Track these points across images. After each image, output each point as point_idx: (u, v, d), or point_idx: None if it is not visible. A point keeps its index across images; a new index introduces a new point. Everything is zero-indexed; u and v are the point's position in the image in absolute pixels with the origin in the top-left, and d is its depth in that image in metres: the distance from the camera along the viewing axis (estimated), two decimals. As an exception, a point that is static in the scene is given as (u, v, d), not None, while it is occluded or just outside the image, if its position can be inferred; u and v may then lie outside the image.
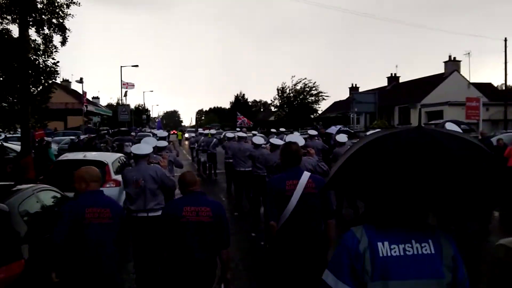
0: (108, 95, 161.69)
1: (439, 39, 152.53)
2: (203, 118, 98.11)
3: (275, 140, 6.45)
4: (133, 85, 28.78)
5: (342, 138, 7.51)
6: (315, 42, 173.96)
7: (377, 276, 1.38)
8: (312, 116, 36.16)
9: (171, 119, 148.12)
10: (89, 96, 54.00)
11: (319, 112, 38.20)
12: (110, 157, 7.55)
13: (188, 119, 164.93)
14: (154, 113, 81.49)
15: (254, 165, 7.32)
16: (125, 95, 28.83)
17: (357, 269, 1.40)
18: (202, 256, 2.80)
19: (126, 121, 24.37)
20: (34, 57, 10.28)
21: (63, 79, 30.39)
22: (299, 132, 15.95)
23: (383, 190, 1.41)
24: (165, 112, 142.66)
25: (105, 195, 3.08)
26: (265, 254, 5.21)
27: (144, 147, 4.91)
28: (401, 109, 29.15)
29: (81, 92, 27.62)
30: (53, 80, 11.29)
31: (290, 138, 5.22)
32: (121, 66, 28.89)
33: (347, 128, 11.45)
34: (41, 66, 10.30)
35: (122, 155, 8.77)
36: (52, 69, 10.49)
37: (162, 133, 10.84)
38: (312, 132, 8.60)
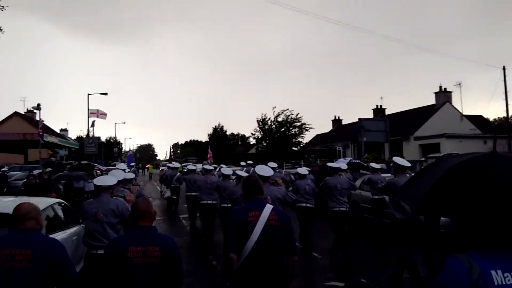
0: (78, 128, 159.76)
1: (424, 71, 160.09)
2: (178, 151, 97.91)
3: (241, 172, 6.77)
4: (105, 114, 26.79)
5: (303, 171, 8.10)
6: (297, 75, 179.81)
7: None
8: (295, 149, 36.58)
9: (145, 153, 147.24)
10: (56, 128, 53.77)
11: (302, 145, 38.76)
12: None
13: (163, 152, 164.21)
14: (128, 147, 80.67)
15: (220, 196, 7.65)
16: (92, 125, 27.15)
17: None
18: None
19: (93, 154, 23.16)
20: None
21: (27, 109, 29.87)
22: (283, 167, 16.31)
23: (485, 213, 1.50)
24: (139, 145, 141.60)
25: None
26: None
27: (108, 178, 4.98)
28: (392, 142, 29.93)
29: (47, 124, 26.94)
30: None
31: (258, 169, 5.46)
32: (88, 94, 27.14)
33: (360, 161, 11.68)
34: None
35: (60, 200, 6.25)
36: None
37: (121, 166, 11.08)
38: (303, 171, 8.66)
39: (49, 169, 15.35)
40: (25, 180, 12.01)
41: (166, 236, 3.00)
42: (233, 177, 7.94)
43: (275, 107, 38.32)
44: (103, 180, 4.84)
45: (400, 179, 5.64)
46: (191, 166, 11.55)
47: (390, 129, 31.54)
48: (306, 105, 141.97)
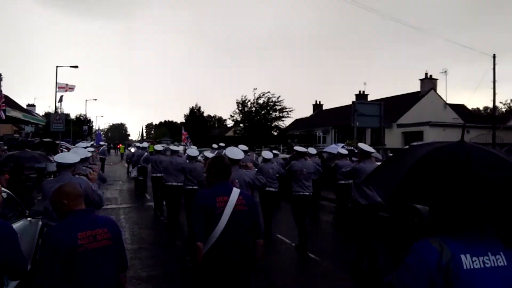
0: (47, 104, 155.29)
1: (410, 57, 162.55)
2: (152, 132, 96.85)
3: (210, 154, 6.81)
4: (73, 88, 24.95)
5: (267, 154, 8.33)
6: (277, 58, 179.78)
7: None
8: (274, 133, 36.64)
9: (117, 132, 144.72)
10: (23, 103, 51.82)
11: (281, 128, 38.88)
12: None
13: (136, 132, 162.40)
14: (100, 125, 79.02)
15: (186, 178, 7.79)
16: (60, 100, 25.68)
17: (437, 283, 1.49)
18: None
19: (61, 131, 22.11)
20: None
21: None
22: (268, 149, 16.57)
23: (454, 199, 1.56)
24: (111, 124, 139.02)
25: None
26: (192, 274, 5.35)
27: (70, 156, 4.82)
28: (373, 129, 30.31)
29: (13, 98, 25.56)
30: None
31: (229, 151, 5.47)
32: (56, 66, 25.83)
33: (352, 147, 11.82)
34: None
35: None
36: None
37: (82, 144, 10.85)
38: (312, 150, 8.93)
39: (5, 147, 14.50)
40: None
41: (107, 216, 2.90)
42: (201, 158, 7.98)
43: (256, 89, 37.70)
44: (64, 158, 4.68)
45: (366, 165, 5.86)
46: (157, 147, 11.54)
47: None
48: (286, 89, 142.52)
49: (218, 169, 3.18)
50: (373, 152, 6.13)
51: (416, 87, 33.26)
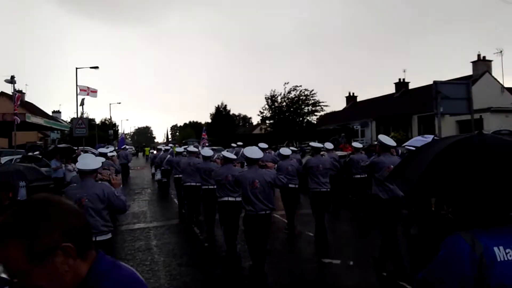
0: (72, 110, 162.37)
1: (456, 39, 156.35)
2: (177, 134, 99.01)
3: (227, 153, 7.12)
4: (95, 92, 25.63)
5: (285, 151, 8.61)
6: (303, 54, 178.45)
7: (495, 282, 1.56)
8: (306, 129, 36.35)
9: (143, 136, 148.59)
10: (48, 111, 54.33)
11: (313, 123, 38.59)
12: None
13: (162, 135, 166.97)
14: (126, 129, 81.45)
15: (202, 178, 8.24)
16: (82, 103, 26.47)
17: (469, 276, 1.57)
18: None
19: (83, 136, 22.75)
20: None
21: (14, 89, 29.66)
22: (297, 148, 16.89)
23: (483, 192, 1.66)
24: (137, 128, 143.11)
25: None
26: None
27: (91, 162, 5.11)
28: (421, 119, 29.10)
29: (38, 106, 26.40)
30: None
31: (247, 151, 5.66)
32: (76, 68, 25.62)
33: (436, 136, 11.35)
34: None
35: None
36: None
37: (103, 150, 11.73)
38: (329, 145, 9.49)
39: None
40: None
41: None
42: (216, 158, 8.55)
43: (287, 83, 37.52)
44: (86, 164, 4.96)
45: (385, 158, 5.95)
46: (178, 149, 12.52)
47: (418, 105, 30.89)
48: (316, 82, 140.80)
49: None
50: (394, 145, 6.22)
51: (466, 71, 31.87)
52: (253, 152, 5.69)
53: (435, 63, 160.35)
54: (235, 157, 7.36)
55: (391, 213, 5.90)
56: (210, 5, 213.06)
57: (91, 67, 26.67)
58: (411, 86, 36.77)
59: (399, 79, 37.15)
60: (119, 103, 66.69)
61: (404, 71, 54.99)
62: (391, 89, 38.37)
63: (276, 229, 8.44)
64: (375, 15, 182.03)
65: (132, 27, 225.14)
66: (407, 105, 32.06)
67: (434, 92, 14.74)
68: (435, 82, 14.34)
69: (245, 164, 6.49)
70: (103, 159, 6.25)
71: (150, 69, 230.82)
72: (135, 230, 9.61)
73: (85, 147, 22.78)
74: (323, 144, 8.65)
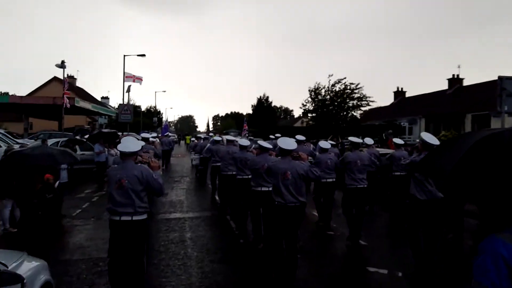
0: (120, 96, 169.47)
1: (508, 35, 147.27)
2: (219, 124, 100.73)
3: (263, 143, 7.12)
4: (140, 79, 25.93)
5: (324, 144, 8.60)
6: (349, 48, 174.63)
7: None
8: (350, 124, 35.71)
9: (186, 124, 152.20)
10: (98, 96, 56.76)
11: (359, 118, 37.81)
12: None
13: (204, 124, 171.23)
14: (170, 117, 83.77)
15: (237, 168, 8.34)
16: (128, 90, 27.23)
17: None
18: None
19: (128, 122, 23.57)
20: None
21: (67, 74, 31.06)
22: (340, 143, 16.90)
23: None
24: (180, 116, 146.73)
25: None
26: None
27: (131, 144, 5.30)
28: (475, 118, 27.73)
29: (88, 91, 27.64)
30: None
31: (281, 141, 5.65)
32: (124, 55, 26.83)
33: None
34: None
35: None
36: None
37: (146, 135, 12.09)
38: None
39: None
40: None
41: None
42: (253, 148, 8.71)
43: (331, 75, 36.86)
44: (127, 146, 5.15)
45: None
46: (216, 137, 12.95)
47: (473, 103, 29.42)
48: (362, 76, 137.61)
49: None
50: (437, 144, 5.88)
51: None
52: (287, 143, 5.65)
53: (495, 58, 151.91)
54: (271, 146, 7.34)
55: (425, 215, 5.71)
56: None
57: (138, 55, 27.55)
58: (465, 83, 35.21)
59: (453, 75, 35.69)
60: (164, 91, 68.04)
61: (459, 66, 52.55)
62: (444, 86, 36.97)
63: (308, 224, 8.41)
64: (428, 4, 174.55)
65: (179, 18, 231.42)
66: (460, 102, 30.77)
67: (499, 88, 13.37)
68: (500, 77, 13.10)
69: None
70: (143, 143, 6.46)
71: (195, 59, 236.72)
72: (171, 220, 9.75)
73: (130, 133, 23.61)
74: (363, 140, 8.44)
